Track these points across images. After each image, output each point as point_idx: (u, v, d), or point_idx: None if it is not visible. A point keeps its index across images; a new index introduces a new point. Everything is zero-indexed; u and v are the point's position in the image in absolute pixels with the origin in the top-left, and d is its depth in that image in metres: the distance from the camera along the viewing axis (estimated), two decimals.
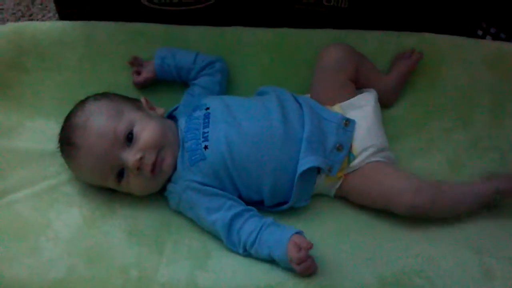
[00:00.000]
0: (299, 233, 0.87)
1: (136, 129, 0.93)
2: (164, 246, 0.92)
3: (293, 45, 1.15)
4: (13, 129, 1.07)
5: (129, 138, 0.93)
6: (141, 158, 0.91)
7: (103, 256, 0.89)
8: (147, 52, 1.13)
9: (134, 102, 1.00)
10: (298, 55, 1.15)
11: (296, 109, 0.99)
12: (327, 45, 1.08)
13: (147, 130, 0.93)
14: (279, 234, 0.88)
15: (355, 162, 0.98)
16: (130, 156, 0.92)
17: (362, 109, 1.03)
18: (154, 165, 0.93)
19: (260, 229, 0.89)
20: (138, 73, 1.10)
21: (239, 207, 0.93)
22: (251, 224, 0.90)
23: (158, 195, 0.99)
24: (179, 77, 1.10)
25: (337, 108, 1.03)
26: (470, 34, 1.21)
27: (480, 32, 1.26)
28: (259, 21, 1.16)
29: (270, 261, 0.89)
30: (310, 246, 0.84)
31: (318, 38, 1.14)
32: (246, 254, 0.90)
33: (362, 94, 1.06)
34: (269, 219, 0.91)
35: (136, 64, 1.11)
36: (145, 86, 1.11)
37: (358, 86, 1.08)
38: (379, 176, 0.96)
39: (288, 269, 0.87)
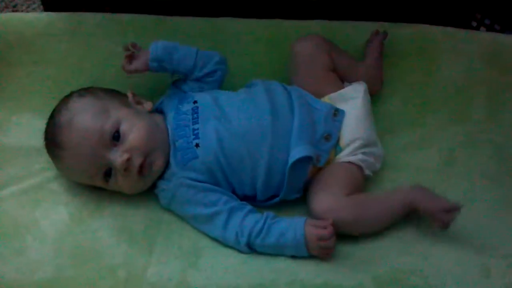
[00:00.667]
0: None
1: (123, 128, 0.91)
2: (154, 245, 0.90)
3: (286, 36, 1.13)
4: None
5: (116, 137, 0.91)
6: (128, 159, 0.89)
7: (91, 256, 0.87)
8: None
9: (120, 97, 0.98)
10: (287, 47, 1.10)
11: (285, 99, 0.97)
12: (296, 40, 1.06)
13: (135, 131, 0.91)
14: (289, 221, 0.89)
15: (342, 154, 0.97)
16: (118, 157, 0.90)
17: (351, 101, 1.01)
18: (141, 166, 0.91)
19: (266, 218, 0.89)
20: (130, 60, 1.01)
21: (236, 201, 0.93)
22: (255, 215, 0.91)
23: (148, 192, 0.97)
24: (175, 74, 1.04)
25: (326, 99, 1.02)
26: (464, 25, 1.20)
27: (474, 24, 1.25)
28: (251, 12, 1.14)
29: (263, 258, 0.88)
30: (331, 221, 0.86)
31: (311, 29, 1.12)
32: (246, 246, 0.89)
33: (351, 86, 1.04)
34: (271, 213, 0.91)
35: (131, 50, 1.02)
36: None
37: (340, 77, 1.07)
38: (323, 178, 0.95)
39: (282, 265, 0.87)
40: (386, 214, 0.93)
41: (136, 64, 1.00)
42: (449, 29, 1.14)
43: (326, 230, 0.86)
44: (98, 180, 0.93)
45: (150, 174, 0.93)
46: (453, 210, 0.89)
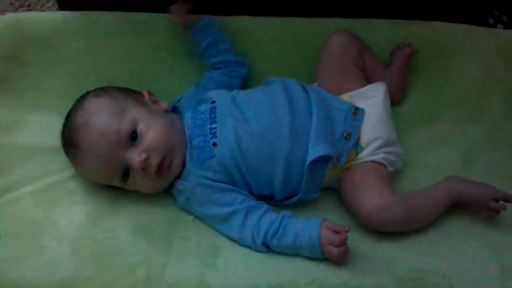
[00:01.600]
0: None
1: (140, 128, 0.91)
2: (171, 244, 0.90)
3: (301, 34, 1.13)
4: (15, 124, 1.04)
5: (133, 137, 0.90)
6: (146, 159, 0.89)
7: (109, 255, 0.87)
8: (149, 42, 1.11)
9: (136, 96, 0.98)
10: (306, 45, 1.12)
11: (303, 99, 0.97)
12: (330, 33, 1.06)
13: (152, 131, 0.91)
14: (305, 222, 0.88)
15: (363, 154, 0.96)
16: (135, 157, 0.89)
17: (371, 99, 1.00)
18: (160, 166, 0.91)
19: (282, 218, 0.89)
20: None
21: (252, 200, 0.92)
22: (271, 215, 0.90)
23: (165, 191, 0.96)
24: (204, 49, 1.06)
25: (346, 97, 1.01)
26: (481, 23, 1.19)
27: (491, 21, 1.24)
28: (266, 10, 1.13)
29: (281, 258, 0.88)
30: (348, 229, 0.84)
31: (326, 27, 1.11)
32: (263, 246, 0.88)
33: (372, 85, 1.03)
34: (287, 212, 0.90)
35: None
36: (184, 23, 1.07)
37: (365, 77, 1.06)
38: (362, 179, 0.94)
39: (302, 264, 0.86)
40: (433, 208, 0.93)
41: (191, 16, 1.05)
42: (467, 27, 1.13)
43: (337, 235, 0.84)
44: (116, 180, 0.92)
45: (166, 173, 0.93)
46: (503, 198, 0.89)
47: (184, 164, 0.94)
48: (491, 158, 1.05)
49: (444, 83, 1.12)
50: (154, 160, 0.90)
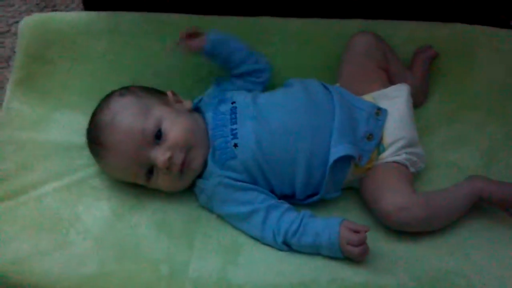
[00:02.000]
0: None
1: (164, 126, 0.92)
2: (193, 240, 0.91)
3: (322, 35, 1.13)
4: (40, 121, 1.05)
5: (158, 135, 0.91)
6: (170, 158, 0.90)
7: (133, 251, 0.88)
8: (173, 42, 1.11)
9: (160, 96, 0.99)
10: (327, 46, 1.12)
11: (325, 98, 0.97)
12: (355, 33, 1.07)
13: (176, 128, 0.92)
14: (325, 221, 0.88)
15: (385, 154, 0.97)
16: (159, 155, 0.90)
17: (394, 100, 1.00)
18: (183, 164, 0.92)
19: (303, 217, 0.89)
20: (189, 38, 1.01)
21: (273, 199, 0.93)
22: (291, 213, 0.90)
23: (187, 190, 0.98)
24: (223, 64, 1.04)
25: (369, 98, 1.01)
26: (503, 24, 1.18)
27: None
28: (287, 11, 1.14)
29: (302, 256, 0.88)
30: (368, 229, 0.84)
31: (348, 28, 1.11)
32: (284, 245, 0.89)
33: (395, 85, 1.03)
34: (308, 211, 0.90)
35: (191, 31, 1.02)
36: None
37: (388, 78, 1.06)
38: (383, 179, 0.94)
39: (323, 262, 0.87)
40: (455, 208, 0.92)
41: (194, 42, 1.01)
42: (488, 29, 1.12)
43: (357, 235, 0.85)
44: (140, 178, 0.93)
45: (189, 172, 0.94)
46: None
47: (206, 164, 0.95)
48: None
49: (465, 85, 1.12)
50: (178, 159, 0.91)
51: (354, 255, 0.85)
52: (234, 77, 1.04)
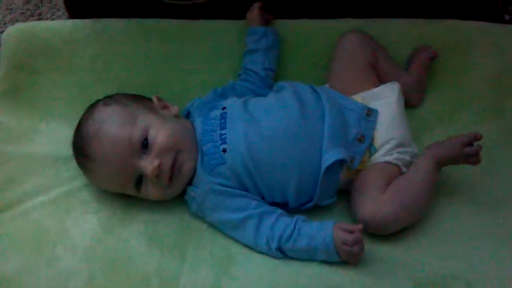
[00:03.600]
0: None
1: (151, 134, 0.90)
2: (185, 252, 0.88)
3: (311, 36, 1.11)
4: (25, 133, 1.04)
5: (145, 144, 0.89)
6: (159, 165, 0.88)
7: (123, 265, 0.86)
8: (160, 48, 1.10)
9: (146, 103, 0.97)
10: (317, 47, 1.11)
11: (315, 101, 0.95)
12: (343, 32, 1.05)
13: (162, 133, 0.90)
14: (319, 224, 0.87)
15: (377, 155, 0.95)
16: (148, 164, 0.88)
17: (385, 100, 0.99)
18: (172, 170, 0.90)
19: (296, 222, 0.87)
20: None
21: (266, 205, 0.91)
22: (285, 219, 0.89)
23: (178, 198, 0.95)
24: (249, 50, 1.07)
25: (358, 98, 0.99)
26: (497, 19, 1.16)
27: (507, 17, 1.21)
28: (275, 12, 1.11)
29: (297, 264, 0.86)
30: (361, 227, 0.83)
31: (338, 28, 1.09)
32: (278, 251, 0.87)
33: (386, 85, 1.02)
34: (302, 216, 0.89)
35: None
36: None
37: (380, 79, 1.04)
38: (364, 182, 0.92)
39: (317, 267, 0.85)
40: (424, 185, 0.91)
41: (260, 16, 1.07)
42: (482, 24, 1.10)
43: (351, 234, 0.83)
44: (129, 189, 0.92)
45: (179, 178, 0.92)
46: (473, 139, 0.89)
47: (195, 170, 0.93)
48: (509, 158, 1.03)
49: (460, 82, 1.10)
50: (166, 165, 0.89)
51: (350, 254, 0.83)
52: (238, 79, 1.05)
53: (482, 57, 1.10)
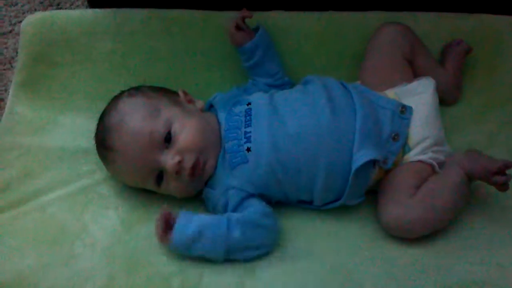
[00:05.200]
0: None
1: (174, 129, 0.87)
2: None
3: (339, 30, 1.07)
4: (43, 126, 1.02)
5: (167, 139, 0.87)
6: (179, 162, 0.85)
7: (143, 263, 0.83)
8: (182, 40, 1.07)
9: (171, 96, 0.94)
10: (345, 41, 1.07)
11: (345, 98, 0.91)
12: (382, 23, 1.02)
13: (186, 130, 0.87)
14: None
15: (411, 154, 0.91)
16: (169, 159, 0.86)
17: (419, 96, 0.95)
18: (193, 168, 0.87)
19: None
20: (237, 29, 1.00)
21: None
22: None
23: (198, 196, 0.93)
24: (249, 67, 1.02)
25: (391, 94, 0.95)
26: None
27: None
28: (301, 4, 1.08)
29: (323, 267, 0.83)
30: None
31: (367, 21, 1.06)
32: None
33: (420, 80, 0.97)
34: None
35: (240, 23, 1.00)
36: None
37: (415, 72, 1.01)
38: (392, 183, 0.89)
39: None
40: (451, 197, 0.87)
41: (240, 35, 1.00)
42: None
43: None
44: (150, 184, 0.89)
45: (201, 175, 0.89)
46: (504, 168, 0.85)
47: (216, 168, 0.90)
48: None
49: (492, 79, 1.07)
50: (188, 163, 0.86)
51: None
52: (258, 82, 1.02)
53: None
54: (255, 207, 0.86)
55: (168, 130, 0.87)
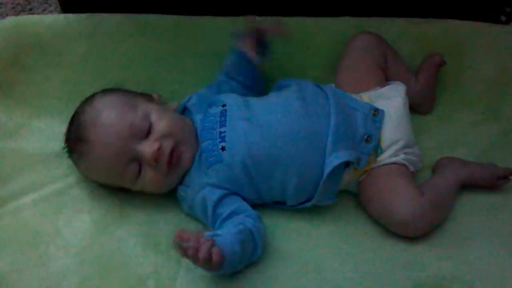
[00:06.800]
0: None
1: (152, 120, 0.88)
2: None
3: (310, 34, 1.09)
4: (16, 130, 1.02)
5: (145, 130, 0.88)
6: (158, 149, 0.86)
7: (118, 265, 0.84)
8: (156, 45, 1.08)
9: (146, 97, 0.95)
10: (317, 45, 1.09)
11: (320, 100, 0.93)
12: (356, 33, 1.05)
13: (164, 120, 0.89)
14: None
15: (383, 156, 0.93)
16: (147, 147, 0.86)
17: (391, 100, 0.97)
18: (171, 155, 0.87)
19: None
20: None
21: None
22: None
23: (171, 198, 0.93)
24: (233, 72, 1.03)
25: (365, 97, 0.98)
26: (493, 20, 1.16)
27: (503, 18, 1.21)
28: (273, 10, 1.09)
29: (299, 265, 0.85)
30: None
31: (336, 27, 1.08)
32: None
33: (391, 85, 1.00)
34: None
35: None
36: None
37: (387, 79, 1.03)
38: (387, 184, 0.91)
39: None
40: (450, 200, 0.94)
41: (251, 46, 0.99)
42: (481, 24, 1.10)
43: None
44: (127, 177, 0.88)
45: (178, 166, 0.89)
46: (508, 174, 0.95)
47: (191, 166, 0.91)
48: (508, 159, 1.01)
49: (458, 83, 1.09)
50: (166, 149, 0.87)
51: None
52: (229, 79, 1.02)
53: (480, 58, 1.09)
54: (244, 209, 0.87)
55: (149, 123, 0.88)
